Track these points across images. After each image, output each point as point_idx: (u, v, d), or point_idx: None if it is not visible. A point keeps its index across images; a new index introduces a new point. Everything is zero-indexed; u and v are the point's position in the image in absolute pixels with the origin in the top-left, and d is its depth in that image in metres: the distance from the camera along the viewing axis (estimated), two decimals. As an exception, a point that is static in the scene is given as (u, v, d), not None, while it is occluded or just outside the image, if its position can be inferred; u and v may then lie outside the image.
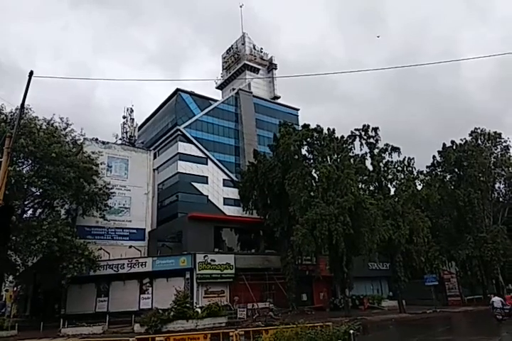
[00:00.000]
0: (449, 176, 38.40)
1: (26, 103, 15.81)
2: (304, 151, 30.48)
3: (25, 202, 27.10)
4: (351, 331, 11.03)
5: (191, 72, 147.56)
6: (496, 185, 40.18)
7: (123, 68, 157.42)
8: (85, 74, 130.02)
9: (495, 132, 40.42)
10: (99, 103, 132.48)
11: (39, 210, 29.19)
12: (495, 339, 13.31)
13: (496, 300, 18.85)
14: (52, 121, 27.77)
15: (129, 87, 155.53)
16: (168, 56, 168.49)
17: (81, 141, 31.24)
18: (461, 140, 39.21)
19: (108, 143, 37.41)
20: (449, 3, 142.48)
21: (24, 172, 25.13)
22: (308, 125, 30.32)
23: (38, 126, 25.93)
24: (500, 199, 40.75)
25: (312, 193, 27.60)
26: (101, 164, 30.37)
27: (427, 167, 39.10)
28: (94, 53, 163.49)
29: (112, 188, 31.02)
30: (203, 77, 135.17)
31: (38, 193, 27.17)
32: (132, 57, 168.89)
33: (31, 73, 12.62)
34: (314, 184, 28.27)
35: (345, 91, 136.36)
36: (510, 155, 40.01)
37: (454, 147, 38.45)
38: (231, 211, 39.69)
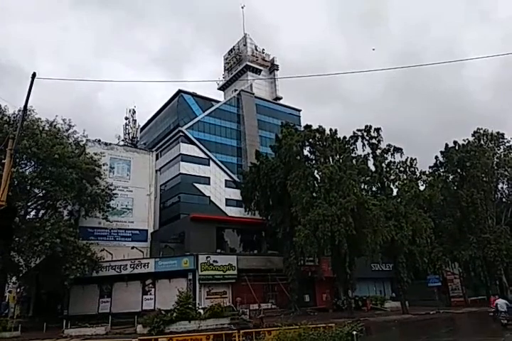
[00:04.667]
0: (451, 177, 38.24)
1: (29, 104, 15.88)
2: (306, 152, 30.49)
3: (28, 204, 27.14)
4: (354, 332, 11.02)
5: (193, 73, 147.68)
6: (499, 186, 40.05)
7: (125, 70, 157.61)
8: (87, 75, 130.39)
9: (498, 132, 40.30)
10: (102, 104, 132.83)
11: (42, 211, 29.25)
12: (498, 339, 13.23)
13: (501, 302, 17.65)
14: (54, 123, 27.85)
15: (131, 89, 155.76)
16: (169, 57, 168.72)
17: (83, 143, 31.29)
18: (463, 140, 39.07)
19: (110, 144, 37.49)
20: (451, 3, 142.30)
21: (27, 173, 25.16)
22: (311, 126, 30.32)
23: (41, 128, 25.99)
24: (504, 199, 40.58)
25: (314, 194, 27.58)
26: (103, 165, 30.43)
27: (430, 167, 38.96)
28: (95, 55, 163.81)
29: (114, 189, 31.09)
30: (205, 78, 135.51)
31: (40, 194, 27.23)
32: (134, 58, 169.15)
33: (34, 75, 12.66)
34: (316, 185, 28.25)
35: (348, 91, 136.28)
36: (513, 156, 39.86)
37: (457, 147, 38.28)
38: (233, 212, 39.71)
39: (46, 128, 26.75)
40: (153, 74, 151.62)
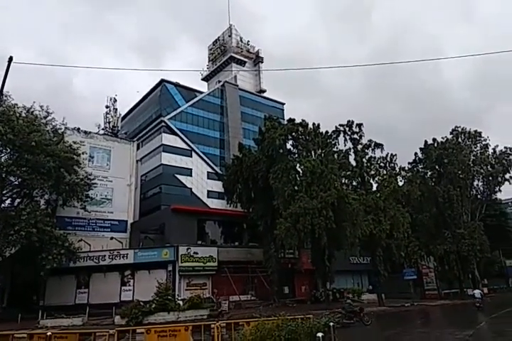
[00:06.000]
0: (429, 173, 39.15)
1: (5, 90, 15.38)
2: (288, 145, 30.57)
3: (4, 192, 26.37)
4: (331, 323, 11.18)
5: (175, 63, 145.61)
6: (475, 183, 41.14)
7: (103, 57, 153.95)
8: (63, 62, 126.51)
9: (475, 131, 41.29)
10: (80, 91, 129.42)
11: (18, 200, 28.49)
12: (469, 331, 13.71)
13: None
14: (32, 109, 27.01)
15: (110, 76, 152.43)
16: (151, 47, 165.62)
17: (62, 130, 30.50)
18: (442, 138, 40.03)
19: (90, 132, 36.67)
20: (434, 1, 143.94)
21: (2, 160, 24.49)
22: (294, 119, 30.38)
23: (18, 114, 25.21)
24: (478, 196, 41.76)
25: (296, 187, 27.74)
26: (83, 154, 29.77)
27: (409, 163, 39.80)
28: (71, 41, 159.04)
29: (93, 179, 30.53)
30: (188, 68, 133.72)
31: (16, 183, 26.50)
32: (113, 45, 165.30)
33: (11, 59, 12.24)
34: (298, 178, 28.40)
35: (330, 86, 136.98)
36: (489, 154, 40.97)
37: (436, 144, 39.17)
38: (215, 204, 39.65)
39: (23, 114, 25.95)
40: (133, 64, 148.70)
